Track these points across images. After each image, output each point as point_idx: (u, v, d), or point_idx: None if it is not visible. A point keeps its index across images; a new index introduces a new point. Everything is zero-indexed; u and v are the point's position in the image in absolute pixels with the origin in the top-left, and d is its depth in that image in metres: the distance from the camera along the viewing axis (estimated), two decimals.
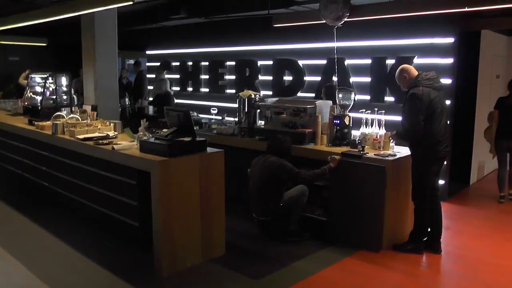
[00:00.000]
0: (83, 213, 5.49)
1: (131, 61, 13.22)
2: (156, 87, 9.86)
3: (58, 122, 5.67)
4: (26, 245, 4.95)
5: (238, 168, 5.19)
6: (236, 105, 6.17)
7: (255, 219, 5.06)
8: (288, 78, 8.41)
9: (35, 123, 6.28)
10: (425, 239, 4.79)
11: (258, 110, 5.98)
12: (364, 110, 5.41)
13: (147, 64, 11.88)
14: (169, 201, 4.10)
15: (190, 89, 10.41)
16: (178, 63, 10.69)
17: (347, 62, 7.34)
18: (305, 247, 4.81)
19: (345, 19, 6.02)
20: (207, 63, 9.94)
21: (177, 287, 4.01)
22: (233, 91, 9.18)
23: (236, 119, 6.24)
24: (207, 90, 10.03)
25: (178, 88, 10.66)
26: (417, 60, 6.48)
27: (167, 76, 10.39)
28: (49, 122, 5.91)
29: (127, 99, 10.37)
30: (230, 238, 4.75)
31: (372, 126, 5.22)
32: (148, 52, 11.80)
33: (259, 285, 4.05)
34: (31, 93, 7.27)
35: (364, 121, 5.24)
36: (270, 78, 8.67)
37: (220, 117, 6.82)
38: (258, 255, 4.68)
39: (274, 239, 4.97)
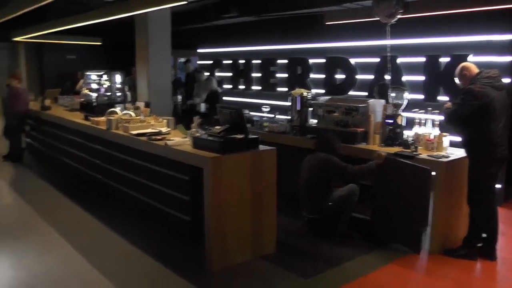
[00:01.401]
0: (136, 206, 5.62)
1: (183, 60, 13.42)
2: (201, 86, 9.96)
3: (112, 118, 5.83)
4: (82, 235, 5.14)
5: (289, 166, 5.17)
6: (287, 103, 6.16)
7: (305, 217, 5.04)
8: (339, 76, 8.33)
9: (91, 118, 6.49)
10: (479, 245, 4.58)
11: (310, 109, 5.95)
12: (417, 109, 5.29)
13: (198, 62, 12.05)
14: (221, 197, 4.14)
15: (241, 87, 10.50)
16: (229, 61, 10.79)
17: (400, 60, 7.18)
18: (354, 248, 4.73)
19: (398, 16, 5.90)
20: (258, 61, 9.98)
21: (228, 283, 4.04)
22: (284, 89, 9.19)
23: (288, 117, 6.23)
24: (258, 88, 10.08)
25: (229, 86, 10.77)
26: (472, 58, 6.24)
27: (218, 74, 10.51)
28: (103, 117, 6.08)
29: (179, 97, 10.54)
30: (280, 235, 4.74)
31: (425, 126, 5.09)
32: (199, 50, 11.96)
33: (309, 284, 4.02)
34: (86, 90, 7.50)
35: (417, 121, 5.12)
36: (322, 76, 8.61)
37: (272, 115, 6.83)
38: (308, 254, 4.64)
39: (323, 239, 4.93)
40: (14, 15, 9.25)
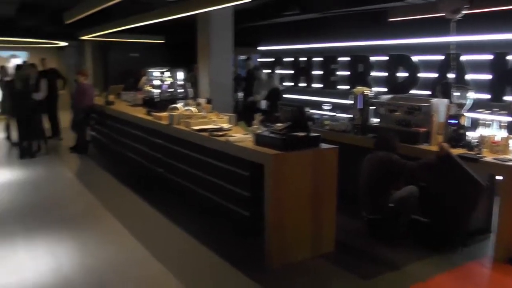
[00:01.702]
0: (196, 199, 5.73)
1: (243, 57, 13.54)
2: (260, 84, 10.00)
3: (174, 113, 5.97)
4: (143, 226, 5.33)
5: (349, 166, 5.12)
6: (347, 101, 6.10)
7: (365, 217, 4.97)
8: (401, 74, 8.14)
9: (153, 113, 6.67)
10: None
11: (372, 107, 5.86)
12: (483, 110, 5.10)
13: (259, 60, 12.13)
14: (281, 194, 4.15)
15: (302, 84, 10.49)
16: (290, 59, 10.80)
17: (465, 57, 6.93)
18: (413, 251, 4.61)
19: (464, 12, 5.69)
20: (319, 59, 9.93)
21: (286, 280, 4.04)
22: (345, 87, 9.10)
23: (349, 116, 6.17)
24: (318, 85, 10.03)
25: (290, 84, 10.78)
26: None
27: (278, 71, 10.55)
28: (166, 113, 6.23)
29: (240, 94, 10.65)
30: (339, 235, 4.70)
31: (491, 127, 4.89)
32: (260, 48, 12.03)
33: (368, 287, 3.96)
34: (149, 86, 7.72)
35: (482, 122, 4.93)
36: (383, 74, 8.46)
37: (333, 113, 6.78)
38: (367, 255, 4.57)
39: (383, 240, 4.84)
40: (83, 15, 9.64)
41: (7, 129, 10.75)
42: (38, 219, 5.59)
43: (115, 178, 7.46)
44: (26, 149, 9.09)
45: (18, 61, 14.65)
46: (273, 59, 11.37)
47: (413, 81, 7.89)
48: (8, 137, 10.75)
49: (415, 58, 7.84)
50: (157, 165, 6.68)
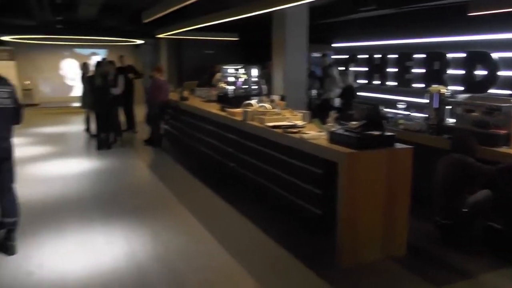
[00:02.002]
0: (266, 195, 5.79)
1: (316, 54, 13.47)
2: (332, 81, 9.91)
3: (248, 109, 6.05)
4: (213, 218, 5.48)
5: (423, 167, 4.98)
6: (422, 100, 5.93)
7: (438, 222, 4.82)
8: (479, 72, 7.81)
9: (227, 109, 6.79)
10: None
11: (448, 107, 5.66)
12: None
13: (333, 56, 12.03)
14: (354, 193, 4.12)
15: (376, 82, 10.31)
16: (365, 56, 10.64)
17: None
18: (488, 260, 4.39)
19: None
20: (394, 56, 9.72)
21: (357, 280, 4.01)
22: (420, 85, 8.85)
23: (424, 115, 5.99)
24: (393, 83, 9.82)
25: (364, 81, 10.64)
26: None
27: (352, 69, 10.43)
28: (240, 109, 6.33)
29: (313, 91, 10.62)
30: (411, 238, 4.57)
31: None
32: (334, 45, 11.92)
33: None
34: (223, 83, 7.87)
35: None
36: (460, 72, 8.14)
37: (408, 112, 6.60)
38: (439, 261, 4.42)
39: (456, 246, 4.66)
40: (160, 14, 9.98)
41: (87, 121, 11.37)
42: (114, 207, 5.90)
43: (187, 171, 7.69)
44: (103, 140, 9.58)
45: (98, 58, 15.39)
46: (347, 56, 11.23)
47: (492, 80, 7.54)
48: (87, 129, 11.38)
49: (495, 55, 7.48)
50: (229, 159, 6.80)
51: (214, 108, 7.43)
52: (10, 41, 16.37)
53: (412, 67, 9.30)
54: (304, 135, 4.72)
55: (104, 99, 9.42)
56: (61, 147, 10.09)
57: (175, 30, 13.02)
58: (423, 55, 8.96)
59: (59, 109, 16.72)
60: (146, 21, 11.67)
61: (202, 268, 4.21)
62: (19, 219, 4.61)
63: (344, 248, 4.18)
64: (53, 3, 11.43)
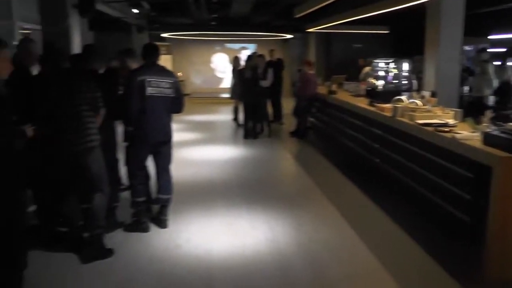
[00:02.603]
0: (410, 193, 5.57)
1: (468, 48, 12.59)
2: (483, 78, 9.15)
3: (398, 105, 5.88)
4: (355, 212, 5.48)
5: None
6: None
7: None
8: None
9: (376, 104, 6.67)
10: None
11: None
12: None
13: (488, 50, 11.12)
14: (509, 203, 3.78)
15: None
16: None
17: None
18: None
19: None
20: None
21: None
22: None
23: None
24: None
25: None
26: None
27: (510, 63, 9.56)
28: (389, 104, 6.18)
29: (465, 87, 9.97)
30: None
31: None
32: (490, 37, 11.01)
33: None
34: (372, 78, 7.73)
35: None
36: None
37: None
38: None
39: None
40: (312, 9, 10.10)
41: (235, 111, 12.01)
42: (259, 194, 6.18)
43: (331, 163, 7.75)
44: (250, 130, 10.04)
45: (247, 52, 16.10)
46: (505, 49, 10.27)
47: None
48: (235, 119, 12.03)
49: None
50: (373, 155, 6.69)
51: (362, 103, 7.35)
52: (168, 37, 18.07)
53: None
54: (456, 135, 4.46)
55: (253, 91, 9.85)
56: (210, 134, 10.84)
57: (325, 24, 13.09)
58: None
59: (208, 99, 17.95)
60: (298, 16, 11.90)
61: (345, 261, 4.24)
62: (172, 197, 5.07)
63: (492, 262, 3.86)
64: (209, 2, 12.26)
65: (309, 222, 5.15)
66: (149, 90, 4.60)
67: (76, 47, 7.44)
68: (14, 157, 3.13)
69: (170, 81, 4.77)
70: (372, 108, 6.75)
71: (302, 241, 4.66)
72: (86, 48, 4.83)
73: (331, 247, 4.51)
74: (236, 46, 20.05)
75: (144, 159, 4.93)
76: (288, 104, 12.00)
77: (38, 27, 7.57)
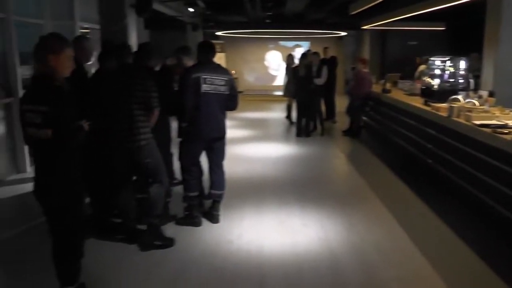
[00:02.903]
0: (463, 196, 5.45)
1: None
2: None
3: (455, 105, 5.74)
4: (407, 213, 5.39)
5: None
6: None
7: None
8: None
9: (431, 104, 6.53)
10: None
11: None
12: None
13: None
14: None
15: None
16: None
17: None
18: None
19: None
20: None
21: None
22: None
23: None
24: None
25: None
26: None
27: None
28: (444, 104, 6.04)
29: None
30: None
31: None
32: None
33: None
34: (427, 76, 7.56)
35: None
36: None
37: None
38: None
39: None
40: (368, 5, 9.98)
41: (288, 109, 12.02)
42: (311, 192, 6.19)
43: (384, 163, 7.65)
44: (303, 128, 10.04)
45: (301, 50, 16.06)
46: None
47: None
48: (288, 116, 12.04)
49: None
50: (426, 155, 6.56)
51: (417, 102, 7.22)
52: (222, 35, 18.25)
53: None
54: None
55: (306, 89, 9.84)
56: (263, 131, 10.92)
57: (380, 21, 12.91)
58: None
59: (261, 97, 18.02)
60: (353, 13, 11.78)
61: (396, 263, 4.18)
62: (224, 193, 5.16)
63: None
64: (264, 0, 12.34)
65: (360, 222, 5.12)
66: (204, 87, 4.69)
67: (133, 45, 7.69)
68: (78, 151, 3.28)
69: (224, 78, 4.84)
70: (427, 108, 6.62)
71: (353, 241, 4.64)
72: (143, 46, 4.94)
73: (382, 248, 4.47)
74: (290, 43, 20.04)
75: (197, 155, 5.03)
76: (341, 102, 11.93)
77: (97, 26, 7.90)
